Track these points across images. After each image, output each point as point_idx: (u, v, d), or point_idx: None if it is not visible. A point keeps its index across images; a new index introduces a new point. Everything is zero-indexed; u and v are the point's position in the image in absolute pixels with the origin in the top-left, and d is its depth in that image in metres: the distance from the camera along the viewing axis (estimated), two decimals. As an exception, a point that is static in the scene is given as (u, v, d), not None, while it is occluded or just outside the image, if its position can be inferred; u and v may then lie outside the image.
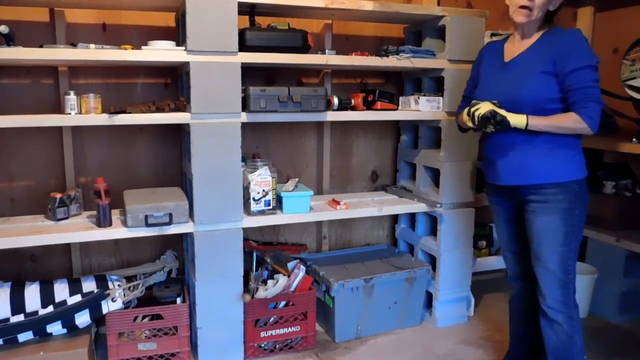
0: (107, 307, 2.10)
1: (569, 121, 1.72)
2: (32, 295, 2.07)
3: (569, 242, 1.80)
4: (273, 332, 2.34)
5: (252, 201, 2.23)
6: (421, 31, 2.66)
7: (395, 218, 3.04)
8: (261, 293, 2.26)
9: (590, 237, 2.76)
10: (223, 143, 2.12)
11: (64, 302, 2.07)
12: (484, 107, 1.77)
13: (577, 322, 1.84)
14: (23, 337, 2.01)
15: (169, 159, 2.55)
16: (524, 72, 1.80)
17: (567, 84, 1.72)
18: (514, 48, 1.89)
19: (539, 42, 1.82)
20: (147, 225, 2.05)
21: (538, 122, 1.74)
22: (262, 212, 2.26)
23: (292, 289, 2.35)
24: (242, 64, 2.10)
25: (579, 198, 1.79)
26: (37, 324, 2.01)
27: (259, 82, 2.63)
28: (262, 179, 2.22)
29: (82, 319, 2.07)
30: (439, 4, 2.89)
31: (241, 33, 2.11)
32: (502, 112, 1.75)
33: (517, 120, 1.74)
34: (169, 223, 2.08)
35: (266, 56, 2.15)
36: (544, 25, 1.84)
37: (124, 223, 2.09)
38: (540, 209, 1.80)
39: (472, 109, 1.80)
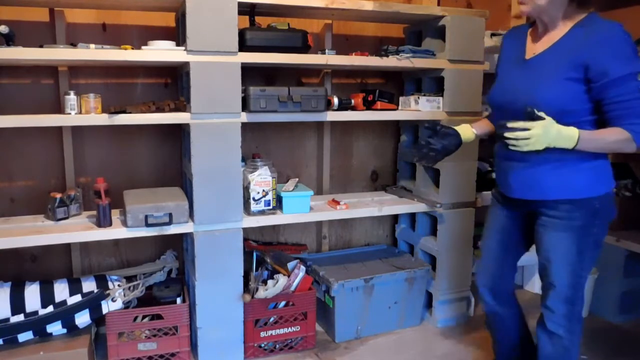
0: (107, 307, 2.10)
1: (618, 140, 1.47)
2: (32, 295, 2.07)
3: (581, 259, 1.61)
4: (273, 332, 2.34)
5: (252, 201, 2.23)
6: (421, 31, 2.66)
7: (395, 218, 3.04)
8: (261, 293, 2.26)
9: (590, 237, 2.76)
10: (223, 143, 2.12)
11: (64, 302, 2.07)
12: (536, 142, 1.45)
13: (577, 337, 1.71)
14: (23, 337, 2.01)
15: (169, 159, 2.55)
16: (544, 75, 1.54)
17: (606, 95, 1.47)
18: (538, 41, 1.62)
19: (567, 38, 1.53)
20: (147, 225, 2.05)
21: (588, 144, 1.48)
22: (262, 212, 2.26)
23: (292, 289, 2.35)
24: (242, 64, 2.10)
25: (597, 215, 1.59)
26: (37, 324, 2.01)
27: (259, 82, 2.62)
28: (262, 179, 2.22)
29: (82, 319, 2.07)
30: (439, 4, 2.89)
31: (241, 33, 2.11)
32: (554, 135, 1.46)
33: (565, 144, 1.48)
34: (169, 223, 2.08)
35: (266, 56, 2.14)
36: (579, 11, 1.52)
37: (124, 223, 2.09)
38: (551, 224, 1.62)
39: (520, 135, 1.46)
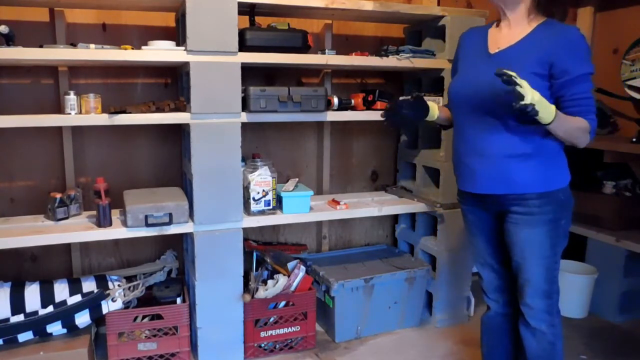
0: (107, 307, 2.10)
1: (582, 128, 1.55)
2: (32, 295, 2.07)
3: (554, 253, 1.67)
4: (273, 332, 2.34)
5: (252, 201, 2.23)
6: (421, 31, 2.66)
7: (395, 218, 3.04)
8: (261, 293, 2.26)
9: (590, 237, 2.76)
10: (223, 143, 2.12)
11: (64, 302, 2.07)
12: (530, 94, 1.40)
13: (559, 329, 1.73)
14: (23, 337, 2.01)
15: (169, 159, 2.55)
16: (511, 68, 1.51)
17: (566, 92, 1.56)
18: (501, 38, 1.68)
19: (532, 36, 1.62)
20: (147, 225, 2.05)
21: (562, 122, 1.50)
22: (262, 212, 2.26)
23: (292, 289, 2.35)
24: (242, 64, 2.10)
25: (564, 207, 1.66)
26: (37, 324, 2.01)
27: (259, 82, 2.63)
28: (262, 179, 2.22)
29: (82, 319, 2.07)
30: (439, 4, 2.89)
31: (241, 33, 2.11)
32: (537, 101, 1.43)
33: (547, 115, 1.46)
34: (169, 223, 2.08)
35: (266, 56, 2.15)
36: (539, 16, 1.64)
37: (124, 223, 2.09)
38: (524, 220, 1.64)
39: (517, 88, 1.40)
